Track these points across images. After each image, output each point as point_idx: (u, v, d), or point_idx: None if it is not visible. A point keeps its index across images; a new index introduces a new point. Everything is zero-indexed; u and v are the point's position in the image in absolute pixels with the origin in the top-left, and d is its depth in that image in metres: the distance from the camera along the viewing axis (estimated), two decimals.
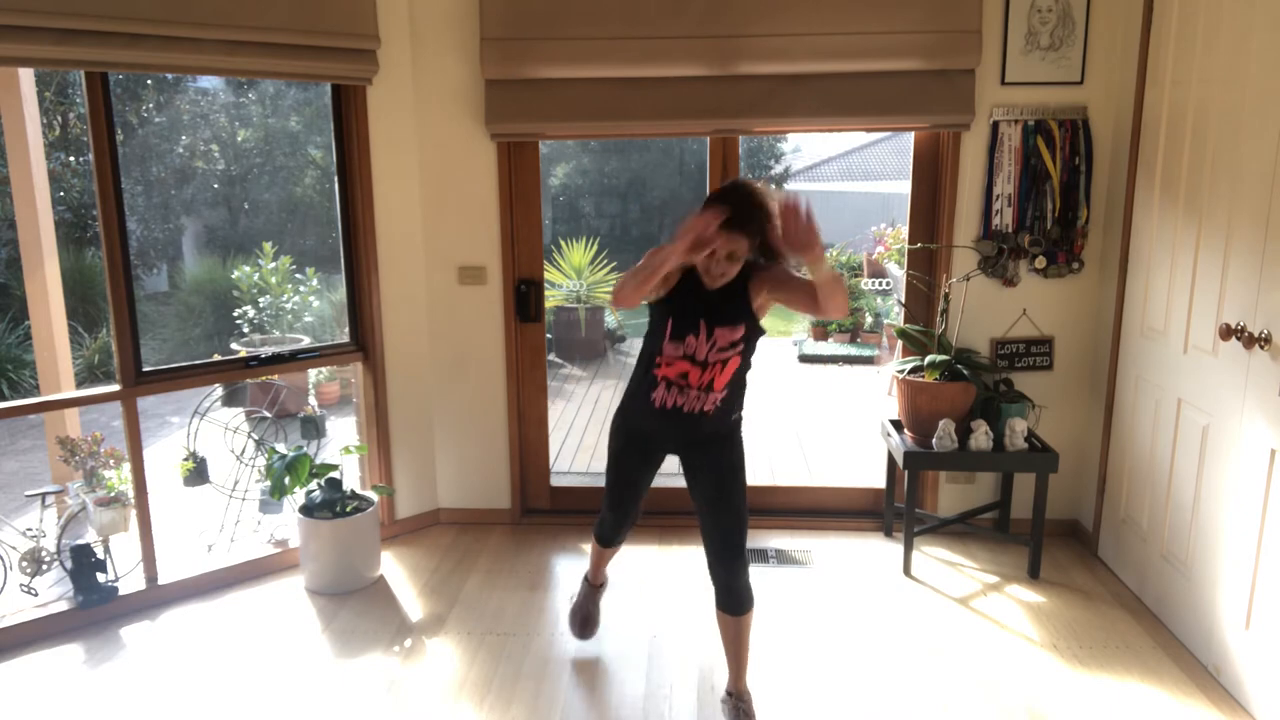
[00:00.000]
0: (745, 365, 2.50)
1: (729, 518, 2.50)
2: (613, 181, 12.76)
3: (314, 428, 4.44)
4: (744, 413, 2.62)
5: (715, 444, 2.55)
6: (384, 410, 3.78)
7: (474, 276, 3.83)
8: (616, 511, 2.79)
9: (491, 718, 2.66)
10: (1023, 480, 3.74)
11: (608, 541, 2.92)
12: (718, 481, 2.52)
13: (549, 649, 3.02)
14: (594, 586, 3.06)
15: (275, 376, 4.30)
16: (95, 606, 3.20)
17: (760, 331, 2.49)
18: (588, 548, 3.76)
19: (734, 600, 2.51)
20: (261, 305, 6.99)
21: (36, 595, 3.23)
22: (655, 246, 2.35)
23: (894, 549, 3.73)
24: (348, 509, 3.43)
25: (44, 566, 3.26)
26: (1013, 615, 3.21)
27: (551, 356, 8.63)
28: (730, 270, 2.39)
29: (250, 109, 8.62)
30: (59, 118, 7.83)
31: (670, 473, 2.93)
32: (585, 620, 3.05)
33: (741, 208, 2.31)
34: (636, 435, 2.64)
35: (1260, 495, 2.57)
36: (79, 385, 5.65)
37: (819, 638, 3.07)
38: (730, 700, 2.60)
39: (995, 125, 3.53)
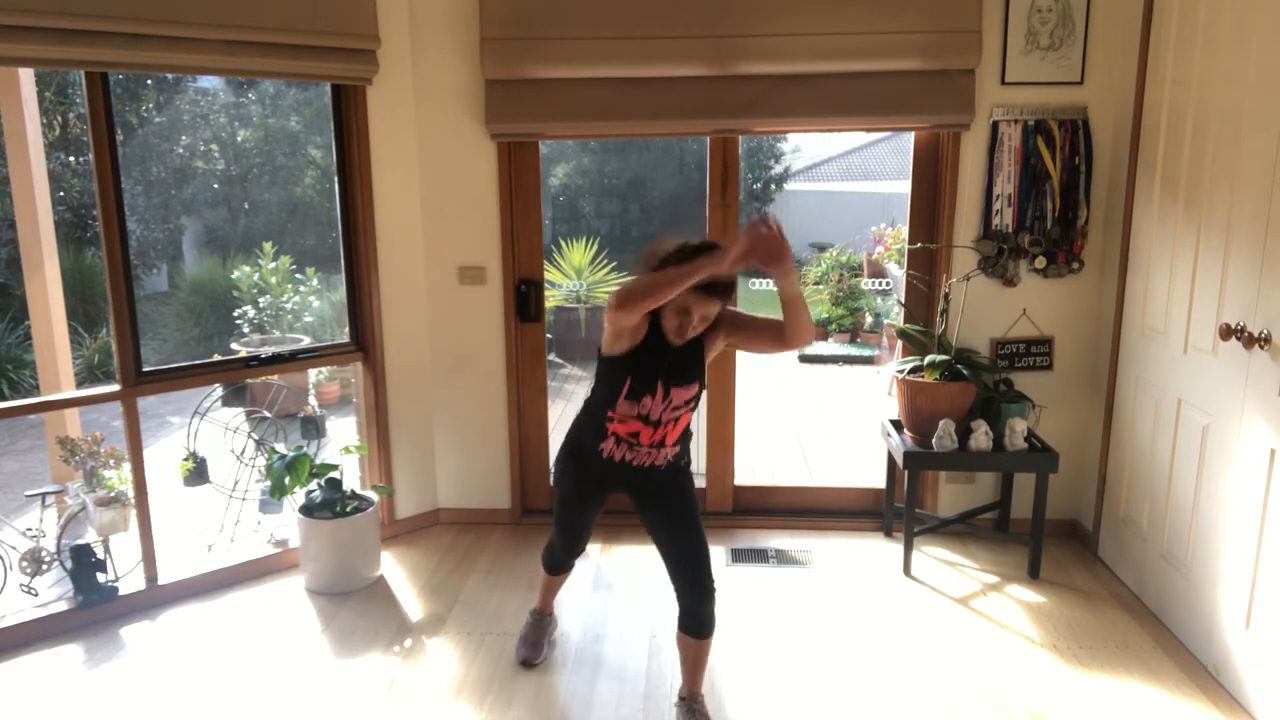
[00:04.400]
0: (693, 416, 2.51)
1: (691, 551, 2.47)
2: (613, 181, 12.75)
3: (314, 428, 4.43)
4: (690, 448, 2.62)
5: (675, 486, 2.55)
6: (384, 410, 3.78)
7: (474, 276, 3.83)
8: (567, 543, 2.78)
9: (491, 718, 2.66)
10: (1023, 480, 3.74)
11: (557, 569, 2.90)
12: (673, 519, 2.51)
13: (549, 653, 3.02)
14: (544, 615, 3.01)
15: (275, 376, 4.30)
16: (95, 606, 3.21)
17: (705, 385, 2.48)
18: (588, 547, 3.76)
19: (697, 625, 2.50)
20: (261, 305, 6.99)
21: (36, 595, 3.23)
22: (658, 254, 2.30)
23: (894, 549, 3.73)
24: (348, 509, 3.43)
25: (44, 566, 3.26)
26: (1013, 615, 3.21)
27: (551, 356, 8.63)
28: (701, 329, 2.36)
29: (250, 109, 8.62)
30: (59, 118, 7.83)
31: None
32: (534, 645, 2.96)
33: (723, 279, 2.25)
34: (584, 479, 2.60)
35: (1260, 495, 2.57)
36: (79, 385, 5.65)
37: (819, 638, 3.07)
38: (684, 704, 2.60)
39: (995, 125, 3.53)
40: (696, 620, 2.49)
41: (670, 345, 2.39)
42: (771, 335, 2.41)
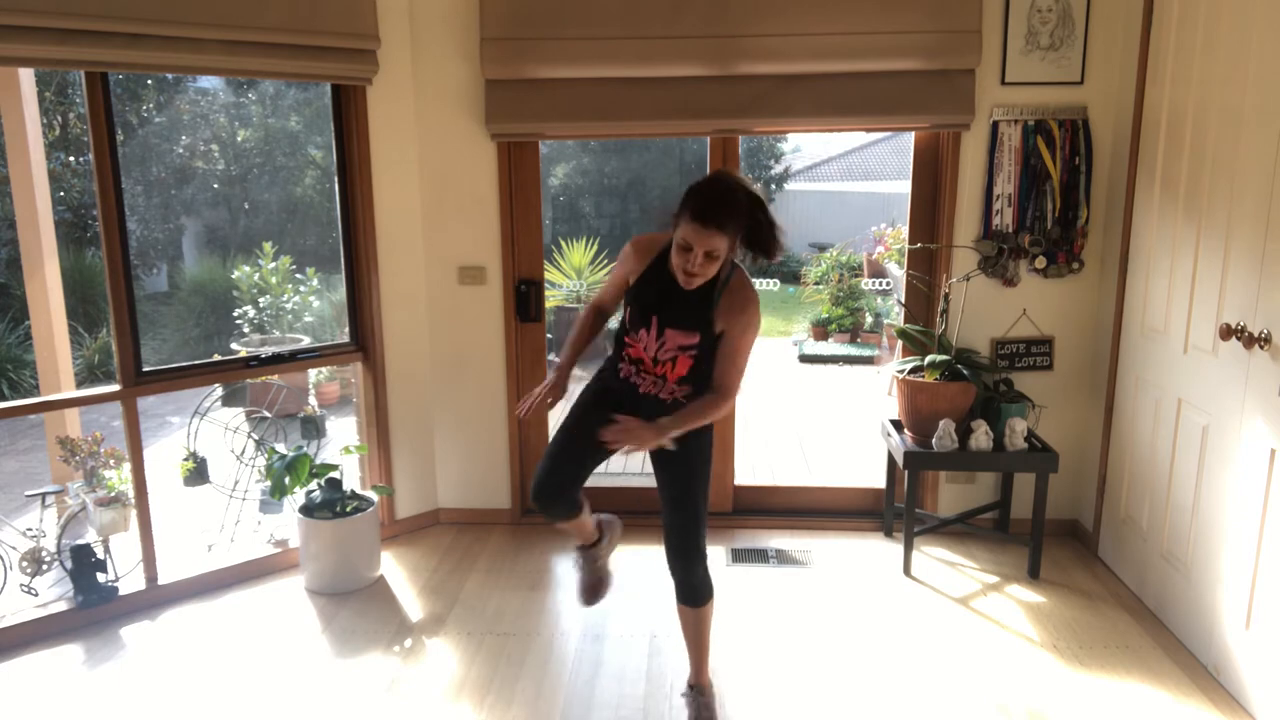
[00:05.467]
0: (702, 368, 2.36)
1: (683, 515, 2.45)
2: (613, 181, 12.75)
3: (314, 428, 4.44)
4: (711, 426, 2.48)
5: (679, 439, 2.40)
6: (384, 410, 3.78)
7: (474, 276, 3.83)
8: (554, 461, 2.52)
9: (491, 718, 2.66)
10: (1023, 480, 3.74)
11: (551, 512, 2.59)
12: (675, 478, 2.47)
13: (549, 649, 3.02)
14: (587, 547, 2.86)
15: (275, 376, 4.30)
16: (95, 606, 3.21)
17: (717, 342, 2.34)
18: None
19: (690, 593, 2.50)
20: (261, 305, 6.99)
21: (36, 595, 3.23)
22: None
23: (894, 549, 3.73)
24: (348, 509, 3.43)
25: (44, 566, 3.26)
26: (1013, 615, 3.21)
27: (551, 356, 8.62)
28: (708, 270, 2.22)
29: (250, 109, 8.62)
30: (59, 118, 7.82)
31: None
32: (589, 586, 2.88)
33: (718, 203, 2.17)
34: (605, 391, 2.55)
35: (1260, 495, 2.57)
36: (79, 385, 5.64)
37: (819, 638, 3.07)
38: (691, 693, 2.59)
39: (995, 125, 3.53)
40: (688, 587, 2.49)
41: (677, 288, 2.30)
42: (717, 369, 2.35)
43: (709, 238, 2.16)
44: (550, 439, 2.62)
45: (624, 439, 2.23)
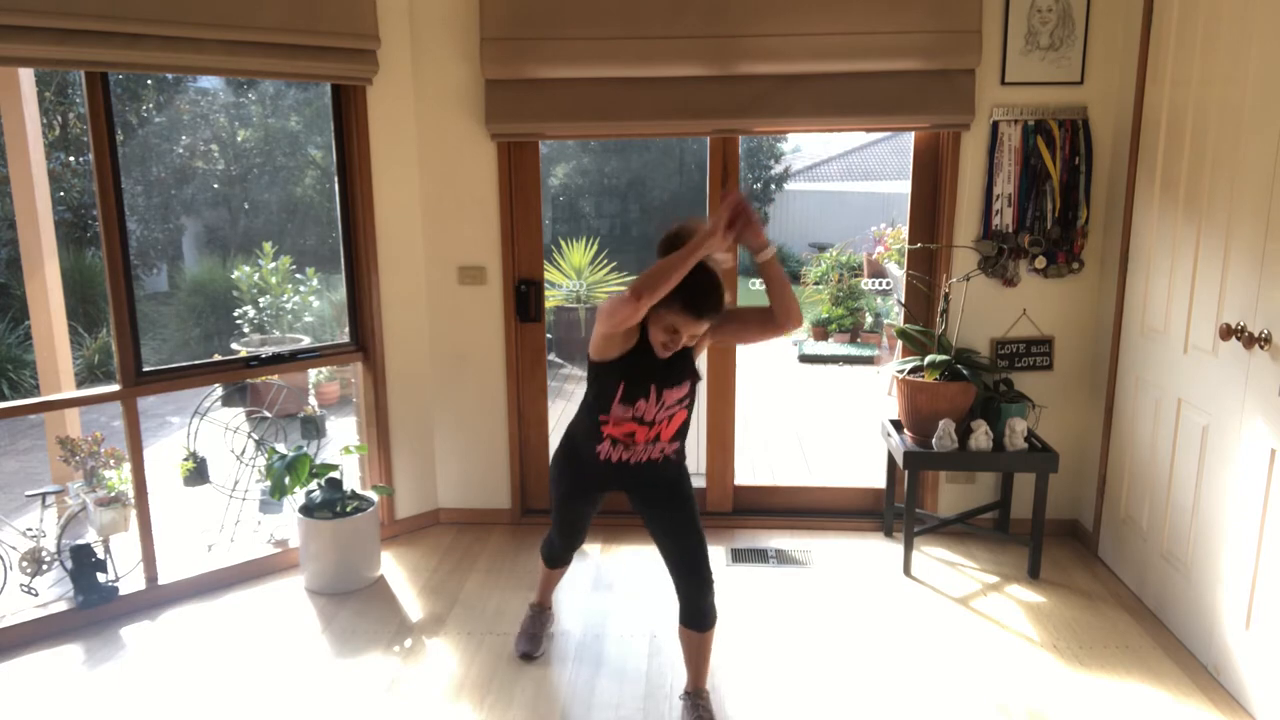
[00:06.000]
0: (690, 412, 2.51)
1: (690, 544, 2.49)
2: (613, 181, 12.75)
3: (314, 428, 4.44)
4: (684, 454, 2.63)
5: (673, 481, 2.56)
6: (384, 410, 3.78)
7: (474, 276, 3.83)
8: (566, 541, 2.83)
9: (491, 717, 2.66)
10: (1023, 480, 3.74)
11: (556, 563, 2.95)
12: (671, 512, 2.52)
13: (549, 649, 3.02)
14: (543, 609, 3.05)
15: (275, 377, 4.30)
16: (95, 606, 3.21)
17: (699, 379, 2.49)
18: (588, 547, 3.76)
19: (699, 618, 2.51)
20: (261, 305, 6.99)
21: (36, 595, 3.23)
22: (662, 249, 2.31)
23: (894, 549, 3.73)
24: (348, 509, 3.43)
25: (44, 566, 3.26)
26: (1013, 615, 3.21)
27: (551, 356, 8.63)
28: (687, 345, 2.37)
29: (250, 109, 8.62)
30: (59, 118, 7.82)
31: None
32: (532, 638, 2.99)
33: (710, 297, 2.26)
34: (582, 481, 2.62)
35: (1260, 495, 2.57)
36: (79, 385, 5.64)
37: (819, 638, 3.07)
38: (689, 699, 2.60)
39: (995, 125, 3.53)
40: (698, 612, 2.50)
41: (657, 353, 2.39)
42: (759, 322, 2.40)
43: (698, 326, 2.30)
44: (554, 516, 2.78)
45: (740, 215, 2.21)
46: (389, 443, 3.82)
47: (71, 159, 7.86)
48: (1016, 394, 3.62)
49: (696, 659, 2.57)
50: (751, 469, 5.21)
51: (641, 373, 2.37)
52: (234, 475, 3.89)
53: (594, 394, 2.45)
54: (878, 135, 16.01)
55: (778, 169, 15.54)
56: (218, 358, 3.57)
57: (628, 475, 2.52)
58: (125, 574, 3.35)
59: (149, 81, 8.11)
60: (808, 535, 3.88)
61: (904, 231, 4.24)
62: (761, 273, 2.33)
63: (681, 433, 2.53)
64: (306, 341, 6.52)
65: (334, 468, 3.49)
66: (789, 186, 16.03)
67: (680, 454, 2.58)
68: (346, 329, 3.77)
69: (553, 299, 8.65)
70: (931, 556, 3.67)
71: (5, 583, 3.23)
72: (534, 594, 3.08)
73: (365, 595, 3.40)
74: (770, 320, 2.37)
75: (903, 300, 3.89)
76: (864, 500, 4.05)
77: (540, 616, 3.04)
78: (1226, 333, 2.68)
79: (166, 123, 8.43)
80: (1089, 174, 3.54)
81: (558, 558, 2.92)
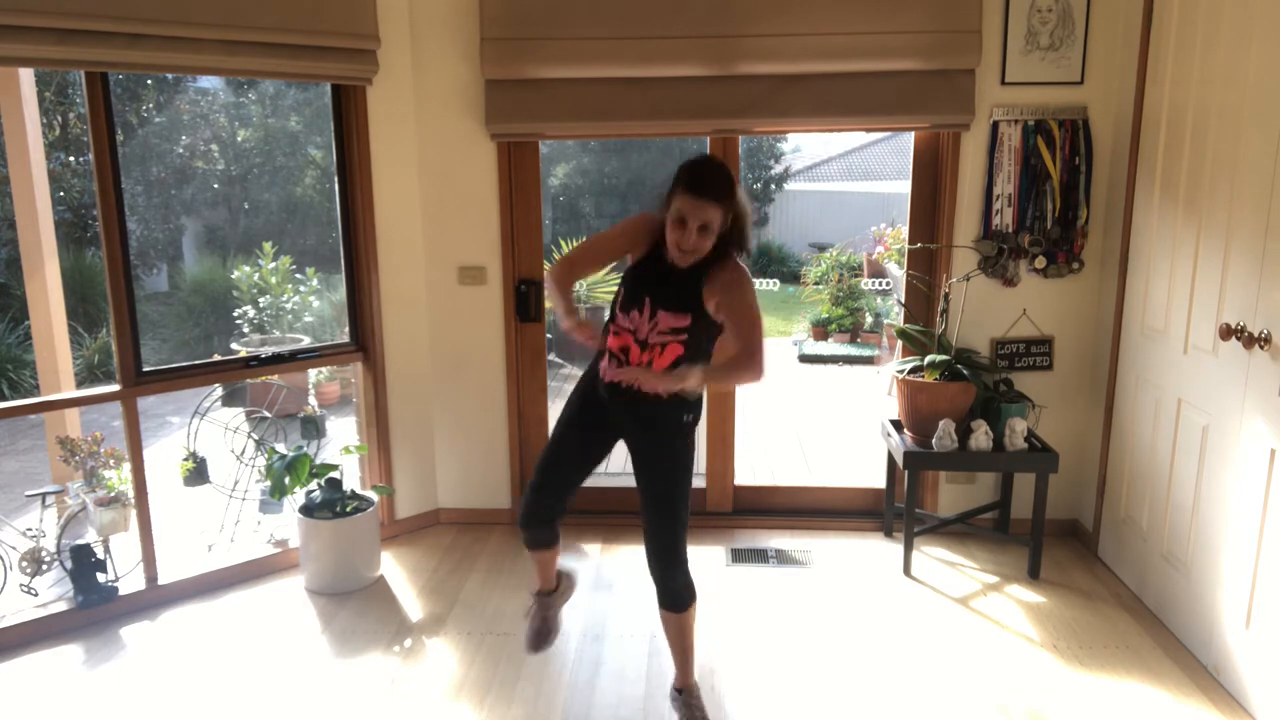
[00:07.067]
0: (692, 357, 2.36)
1: (664, 516, 2.43)
2: (613, 181, 12.75)
3: (314, 428, 4.43)
4: (697, 415, 2.49)
5: (661, 438, 2.43)
6: (384, 410, 3.78)
7: (474, 276, 3.83)
8: (540, 478, 2.55)
9: (491, 718, 2.66)
10: (1023, 480, 3.74)
11: (533, 536, 2.63)
12: (655, 477, 2.44)
13: (549, 649, 3.02)
14: (545, 591, 2.81)
15: (275, 377, 4.30)
16: (95, 606, 3.21)
17: (711, 328, 2.36)
18: (587, 547, 3.76)
19: (672, 598, 2.48)
20: (261, 305, 6.99)
21: (36, 595, 3.23)
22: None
23: (894, 549, 3.73)
24: (348, 509, 3.43)
25: (44, 566, 3.26)
26: (1013, 615, 3.21)
27: (551, 356, 8.62)
28: (702, 244, 2.24)
29: (250, 109, 8.62)
30: (59, 118, 7.82)
31: None
32: (537, 633, 2.78)
33: (711, 175, 2.24)
34: (589, 394, 2.54)
35: (1260, 495, 2.57)
36: (79, 385, 5.64)
37: (819, 638, 3.07)
38: (680, 696, 2.59)
39: (995, 125, 3.53)
40: (669, 593, 2.48)
41: (670, 267, 2.33)
42: (735, 345, 2.33)
43: (703, 209, 2.22)
44: (541, 455, 2.62)
45: (629, 378, 2.27)
46: (389, 443, 3.82)
47: (71, 159, 7.86)
48: (1016, 394, 3.62)
49: (680, 644, 2.54)
50: (751, 469, 5.21)
51: (641, 283, 2.38)
52: (234, 475, 3.89)
53: (612, 303, 2.47)
54: (878, 135, 15.99)
55: (778, 169, 15.54)
56: (217, 358, 3.57)
57: (620, 401, 2.42)
58: (125, 574, 3.35)
59: (149, 81, 8.11)
60: (808, 535, 3.88)
61: (904, 231, 4.24)
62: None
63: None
64: (306, 341, 6.52)
65: (334, 468, 3.49)
66: (789, 186, 16.02)
67: (677, 403, 2.41)
68: (346, 329, 3.77)
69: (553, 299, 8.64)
70: (931, 556, 3.67)
71: (5, 583, 3.23)
72: (534, 582, 2.87)
73: (365, 595, 3.40)
74: (736, 352, 2.31)
75: (903, 300, 3.89)
76: (864, 500, 4.05)
77: (546, 600, 2.81)
78: (1226, 333, 2.68)
79: (166, 123, 8.43)
80: (1089, 174, 3.54)
81: (529, 515, 2.59)
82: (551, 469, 2.56)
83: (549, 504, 2.60)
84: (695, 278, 2.33)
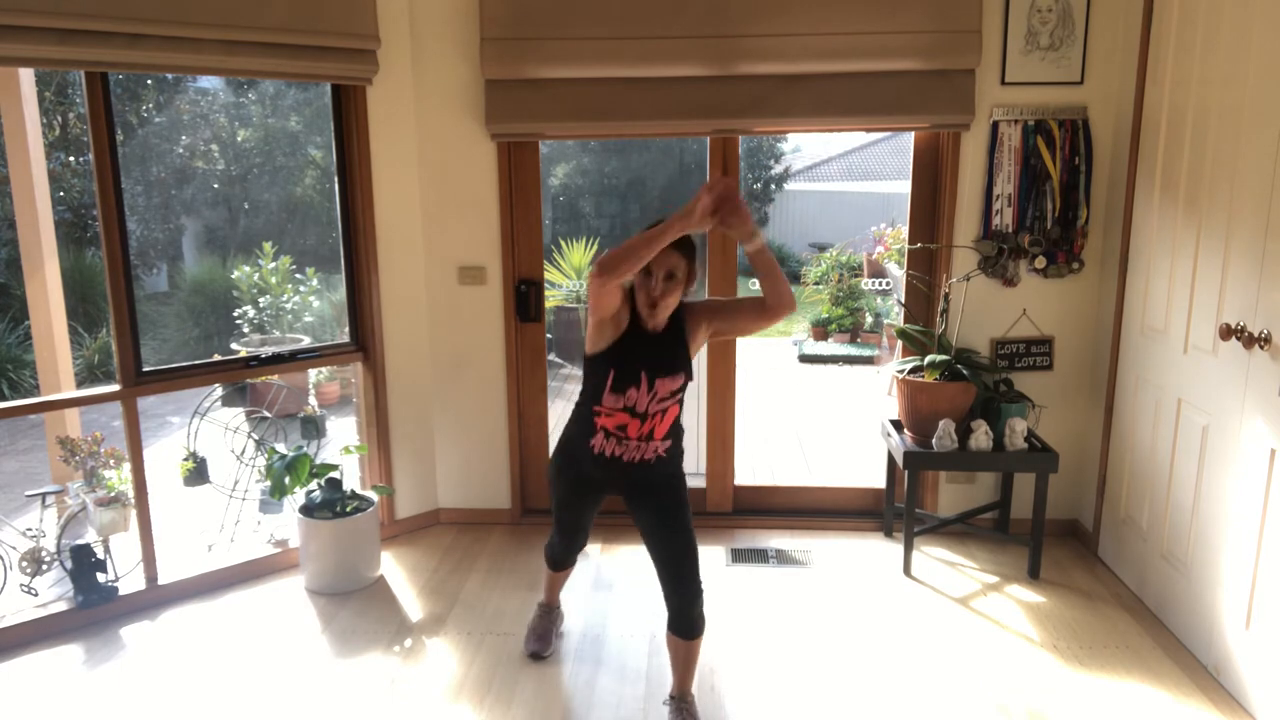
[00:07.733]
0: (681, 410, 2.51)
1: (680, 550, 2.48)
2: (613, 181, 12.74)
3: (314, 428, 4.43)
4: (683, 448, 2.62)
5: (658, 486, 2.55)
6: (384, 410, 3.78)
7: (474, 276, 3.83)
8: (567, 542, 2.84)
9: (491, 717, 2.66)
10: (1023, 480, 3.74)
11: (559, 564, 2.94)
12: (664, 517, 2.51)
13: (547, 657, 3.02)
14: (551, 608, 3.05)
15: (275, 376, 4.30)
16: (95, 606, 3.21)
17: (692, 376, 2.49)
18: (588, 547, 3.76)
19: (689, 626, 2.50)
20: (261, 305, 6.99)
21: (36, 595, 3.23)
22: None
23: (894, 549, 3.73)
24: (348, 509, 3.43)
25: (44, 566, 3.26)
26: (1013, 615, 3.21)
27: (551, 356, 8.62)
28: (670, 296, 2.35)
29: (250, 109, 8.62)
30: (59, 118, 7.82)
31: None
32: (541, 637, 3.00)
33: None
34: (578, 481, 2.62)
35: (1260, 495, 2.57)
36: (79, 385, 5.64)
37: (819, 638, 3.07)
38: (674, 702, 2.60)
39: (995, 125, 3.53)
40: (686, 621, 2.49)
41: (651, 335, 2.41)
42: (753, 310, 2.43)
43: (666, 256, 2.30)
44: (555, 518, 2.80)
45: (723, 199, 2.20)
46: (389, 443, 3.82)
47: (71, 159, 7.86)
48: (1016, 394, 3.62)
49: (683, 664, 2.57)
50: (751, 469, 5.21)
51: (632, 359, 2.39)
52: (234, 475, 3.89)
53: (589, 387, 2.48)
54: (878, 135, 16.00)
55: (778, 169, 15.53)
56: (218, 358, 3.57)
57: (620, 473, 2.51)
58: (125, 574, 3.35)
59: (149, 81, 8.11)
60: (808, 535, 3.88)
61: (904, 231, 4.24)
62: (751, 262, 2.36)
63: (675, 432, 2.53)
64: (306, 341, 6.52)
65: (334, 468, 3.49)
66: (789, 186, 16.01)
67: (674, 454, 2.57)
68: (346, 329, 3.77)
69: (553, 299, 8.65)
70: (931, 556, 3.67)
71: (5, 583, 3.23)
72: (542, 594, 3.10)
73: (365, 595, 3.40)
74: (764, 307, 2.40)
75: (903, 300, 3.89)
76: (864, 500, 4.05)
77: (549, 615, 3.04)
78: (1226, 333, 2.68)
79: (166, 123, 8.43)
80: (1089, 174, 3.54)
81: (560, 559, 2.92)
82: (572, 533, 2.81)
83: (579, 546, 2.89)
84: (676, 330, 2.44)
